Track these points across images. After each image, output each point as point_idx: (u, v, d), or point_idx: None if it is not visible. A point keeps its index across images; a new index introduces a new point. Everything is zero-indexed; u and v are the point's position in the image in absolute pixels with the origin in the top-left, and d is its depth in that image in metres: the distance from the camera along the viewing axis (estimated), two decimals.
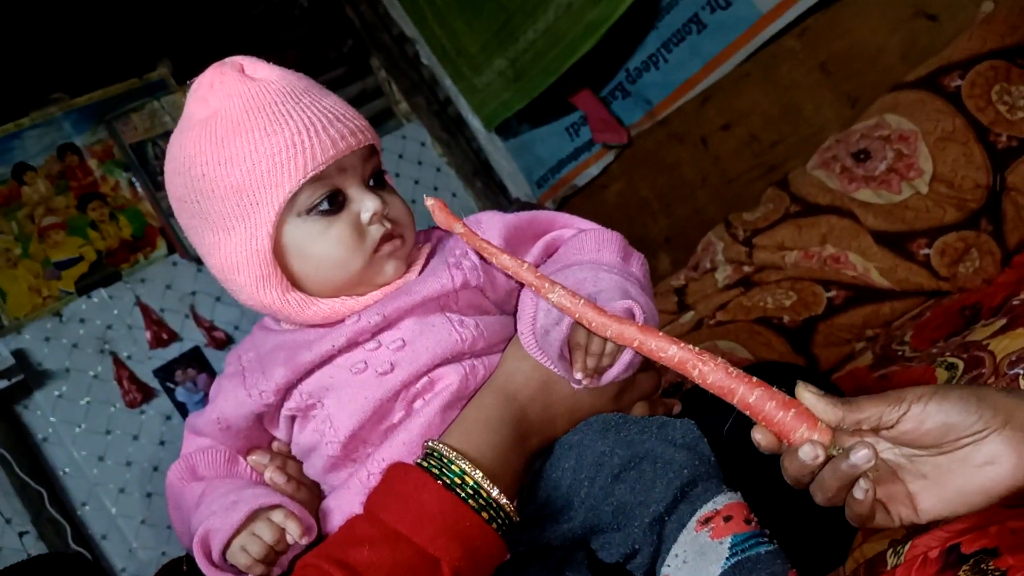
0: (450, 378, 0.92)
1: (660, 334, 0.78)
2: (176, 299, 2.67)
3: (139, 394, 2.55)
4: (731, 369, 0.73)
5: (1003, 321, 1.40)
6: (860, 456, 0.67)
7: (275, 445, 1.01)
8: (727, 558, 0.76)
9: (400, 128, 3.26)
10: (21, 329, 2.49)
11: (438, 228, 1.04)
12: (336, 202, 0.92)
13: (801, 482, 0.71)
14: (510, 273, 0.91)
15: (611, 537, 0.88)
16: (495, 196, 3.28)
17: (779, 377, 1.20)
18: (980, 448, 0.68)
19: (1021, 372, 1.19)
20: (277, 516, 0.87)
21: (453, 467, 0.82)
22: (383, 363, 0.91)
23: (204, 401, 2.26)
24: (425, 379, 0.92)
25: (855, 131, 2.04)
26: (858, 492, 0.68)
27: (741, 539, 0.76)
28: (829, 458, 0.69)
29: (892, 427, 0.70)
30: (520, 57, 2.85)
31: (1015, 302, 1.50)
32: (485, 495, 0.81)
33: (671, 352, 0.76)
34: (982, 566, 0.87)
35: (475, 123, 3.20)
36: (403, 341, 0.92)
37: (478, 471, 0.82)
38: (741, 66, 2.52)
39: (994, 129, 1.82)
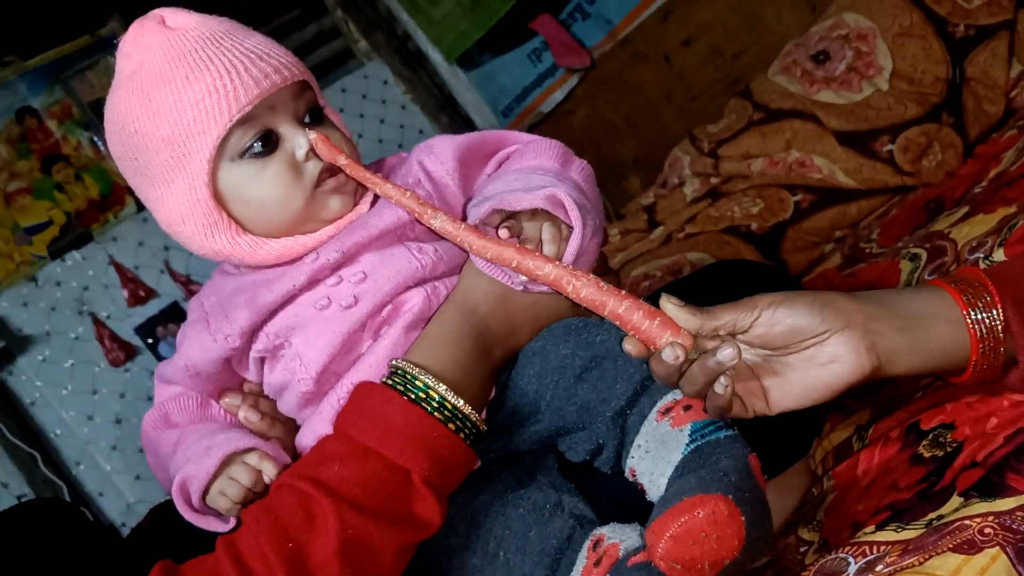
0: (413, 300, 0.93)
1: (536, 254, 0.84)
2: (150, 255, 2.65)
3: (121, 352, 2.55)
4: (602, 284, 0.80)
5: (965, 210, 1.41)
6: (726, 354, 0.74)
7: (246, 386, 1.01)
8: (687, 444, 0.77)
9: (361, 67, 3.22)
10: None
11: (388, 159, 1.04)
12: (269, 142, 0.92)
13: (669, 381, 0.78)
14: (394, 201, 0.92)
15: (577, 437, 0.90)
16: (461, 129, 3.25)
17: (747, 274, 1.22)
18: (823, 348, 0.76)
19: (981, 256, 1.20)
20: (252, 458, 0.89)
21: (417, 382, 0.83)
22: (346, 297, 0.91)
23: None
24: (389, 306, 0.93)
25: (813, 33, 2.04)
26: (719, 387, 0.74)
27: (700, 425, 0.78)
28: (690, 362, 0.76)
29: (746, 331, 0.77)
30: None
31: (976, 190, 1.51)
32: (450, 407, 0.83)
33: (547, 270, 0.83)
34: (940, 439, 0.89)
35: (436, 57, 3.16)
36: (364, 274, 0.92)
37: (441, 384, 0.83)
38: None
39: (951, 20, 1.82)
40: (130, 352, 2.58)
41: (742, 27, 2.50)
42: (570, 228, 0.90)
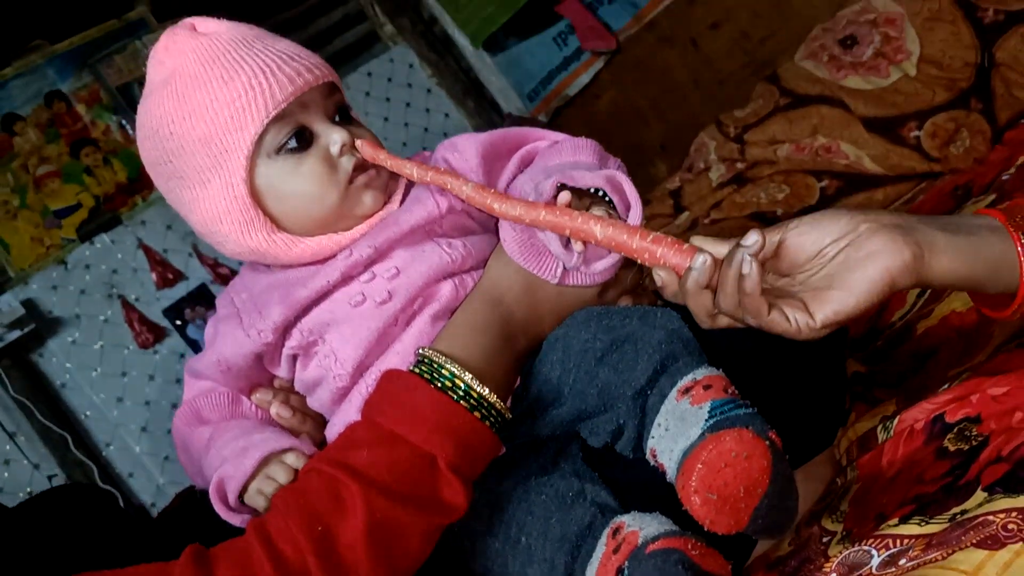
0: (442, 291, 0.94)
1: (566, 209, 0.86)
2: (178, 239, 2.68)
3: (150, 335, 2.58)
4: (628, 225, 0.82)
5: (992, 197, 1.40)
6: (750, 239, 0.72)
7: (276, 382, 1.02)
8: (706, 419, 0.78)
9: (387, 51, 3.22)
10: (28, 280, 2.52)
11: (414, 157, 1.05)
12: (303, 139, 0.94)
13: (701, 302, 0.76)
14: (430, 181, 0.94)
15: (598, 420, 0.91)
16: (487, 114, 3.25)
17: None
18: (857, 246, 0.73)
19: None
20: (290, 458, 0.90)
21: (443, 371, 0.85)
22: (380, 292, 0.93)
23: None
24: (420, 299, 0.94)
25: (841, 17, 2.02)
26: (745, 267, 0.71)
27: (720, 403, 0.79)
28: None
29: (777, 255, 0.75)
30: None
31: (1004, 177, 1.50)
32: (476, 395, 0.84)
33: (576, 221, 0.84)
34: (966, 433, 0.89)
35: (462, 41, 3.16)
36: (397, 269, 0.94)
37: (467, 373, 0.84)
38: None
39: (981, 4, 1.80)
40: (159, 334, 2.61)
41: (770, 11, 2.48)
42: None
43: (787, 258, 0.76)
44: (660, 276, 0.78)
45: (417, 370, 0.86)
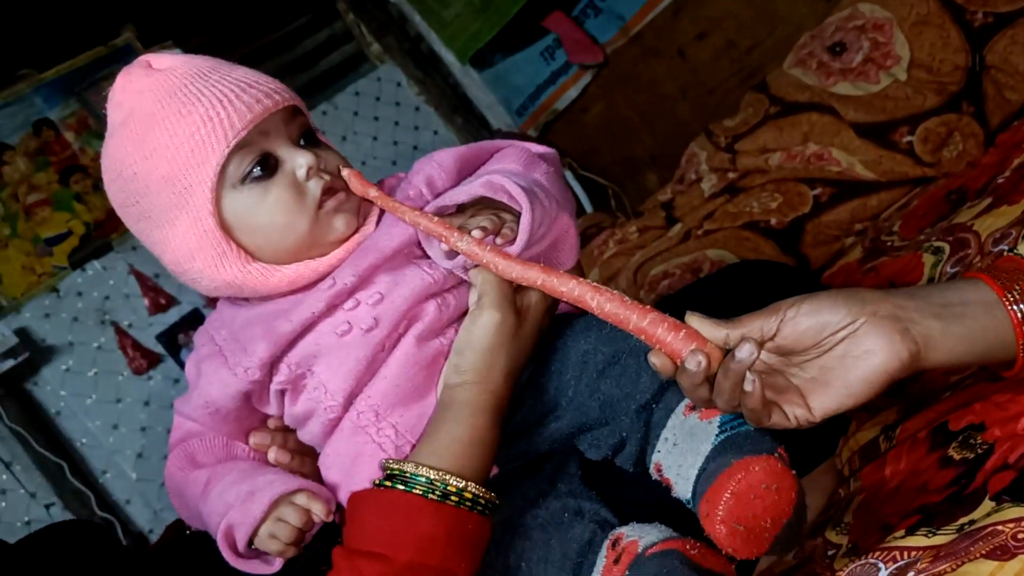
0: (426, 311, 0.92)
1: (561, 273, 0.84)
2: None
3: (144, 360, 2.57)
4: (626, 299, 0.79)
5: (988, 201, 1.40)
6: (744, 351, 0.73)
7: (271, 422, 1.00)
8: (716, 435, 0.77)
9: (374, 71, 3.22)
10: (20, 308, 2.50)
11: (387, 180, 1.04)
12: (268, 165, 0.91)
13: (698, 395, 0.76)
14: (422, 228, 0.91)
15: (599, 432, 0.90)
16: (476, 130, 3.25)
17: (768, 276, 1.21)
18: (856, 342, 0.73)
19: (1005, 248, 1.19)
20: (301, 499, 0.89)
21: (420, 477, 0.83)
22: (366, 320, 0.91)
23: None
24: (404, 321, 0.92)
25: (829, 24, 2.02)
26: (747, 385, 0.73)
27: (730, 418, 0.78)
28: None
29: (774, 337, 0.76)
30: None
31: (999, 180, 1.49)
32: (468, 495, 0.83)
33: (570, 287, 0.82)
34: (970, 441, 0.88)
35: (449, 58, 3.16)
36: (380, 295, 0.92)
37: (447, 475, 0.83)
38: None
39: (969, 7, 1.80)
40: (153, 360, 2.60)
41: (756, 20, 2.48)
42: (518, 215, 0.89)
43: (783, 344, 0.76)
44: (655, 364, 0.77)
45: (389, 483, 0.84)
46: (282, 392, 0.95)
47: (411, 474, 0.83)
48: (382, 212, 0.98)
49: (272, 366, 0.93)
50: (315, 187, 0.93)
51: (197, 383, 0.96)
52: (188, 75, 0.90)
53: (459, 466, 0.84)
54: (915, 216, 1.67)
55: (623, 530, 0.83)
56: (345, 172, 0.95)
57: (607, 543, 0.82)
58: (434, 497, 0.81)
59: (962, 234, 1.33)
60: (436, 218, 0.91)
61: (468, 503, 0.82)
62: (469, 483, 0.82)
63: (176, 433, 1.00)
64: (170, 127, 0.88)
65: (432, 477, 0.82)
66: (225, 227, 0.92)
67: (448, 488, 0.82)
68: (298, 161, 0.92)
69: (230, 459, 0.98)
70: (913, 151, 1.81)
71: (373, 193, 0.94)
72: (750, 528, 0.71)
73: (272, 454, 0.98)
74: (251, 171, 0.91)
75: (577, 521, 0.86)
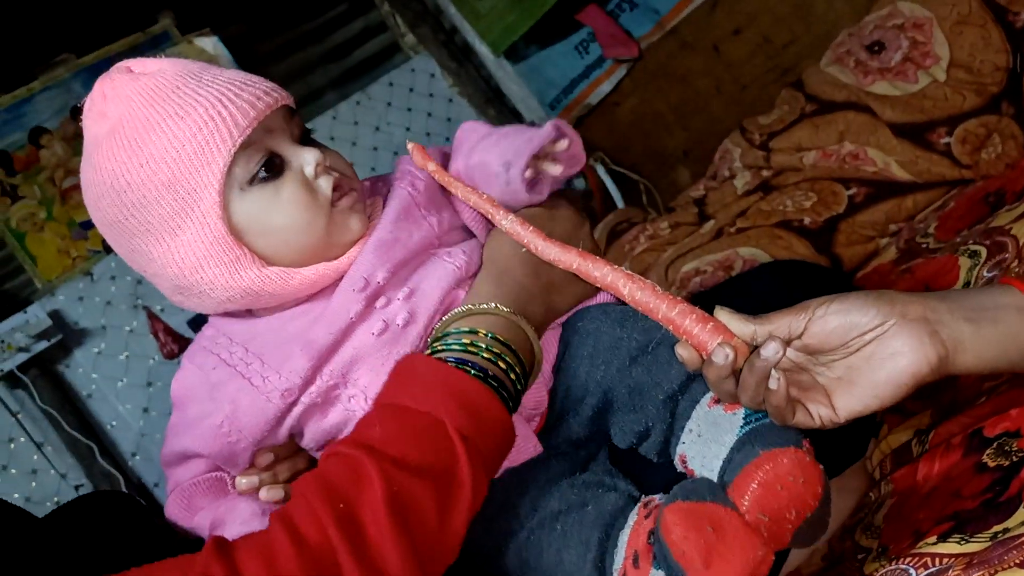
0: (459, 299, 0.92)
1: (597, 258, 0.86)
2: None
3: (175, 345, 2.59)
4: (658, 289, 0.80)
5: None
6: (770, 349, 0.72)
7: (259, 460, 0.92)
8: (741, 427, 0.77)
9: (408, 61, 3.23)
10: (55, 291, 2.54)
11: (384, 175, 1.04)
12: (274, 166, 0.88)
13: (724, 389, 0.76)
14: (471, 204, 0.95)
15: (626, 418, 0.91)
16: (509, 123, 3.24)
17: (801, 275, 1.20)
18: (884, 343, 0.73)
19: None
20: None
21: (449, 339, 0.85)
22: (401, 315, 0.89)
23: None
24: (440, 312, 0.91)
25: (868, 23, 1.99)
26: (772, 383, 0.73)
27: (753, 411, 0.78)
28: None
29: (802, 335, 0.75)
30: None
31: None
32: (484, 345, 0.84)
33: (604, 272, 0.84)
34: (1005, 448, 0.87)
35: (483, 50, 3.15)
36: (410, 290, 0.91)
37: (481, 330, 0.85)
38: None
39: (1011, 7, 1.77)
40: (183, 345, 2.62)
41: (792, 16, 2.46)
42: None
43: (811, 342, 0.76)
44: (682, 355, 0.77)
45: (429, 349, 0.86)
46: (302, 410, 0.89)
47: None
48: (382, 211, 0.97)
49: (306, 383, 0.87)
50: (325, 184, 0.90)
51: (207, 413, 0.90)
52: (179, 76, 0.86)
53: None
54: (951, 218, 1.64)
55: (656, 496, 0.84)
56: (410, 145, 0.97)
57: (639, 505, 0.84)
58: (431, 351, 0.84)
59: (1000, 237, 1.31)
60: (485, 195, 0.94)
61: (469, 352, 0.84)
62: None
63: (181, 476, 0.95)
64: (168, 130, 0.83)
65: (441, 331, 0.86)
66: (236, 233, 0.87)
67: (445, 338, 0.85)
68: (305, 158, 0.89)
69: (223, 493, 0.93)
70: (951, 152, 1.79)
71: (432, 167, 0.97)
72: (775, 519, 0.71)
73: (265, 494, 0.90)
74: (258, 172, 0.87)
75: (612, 492, 0.88)
